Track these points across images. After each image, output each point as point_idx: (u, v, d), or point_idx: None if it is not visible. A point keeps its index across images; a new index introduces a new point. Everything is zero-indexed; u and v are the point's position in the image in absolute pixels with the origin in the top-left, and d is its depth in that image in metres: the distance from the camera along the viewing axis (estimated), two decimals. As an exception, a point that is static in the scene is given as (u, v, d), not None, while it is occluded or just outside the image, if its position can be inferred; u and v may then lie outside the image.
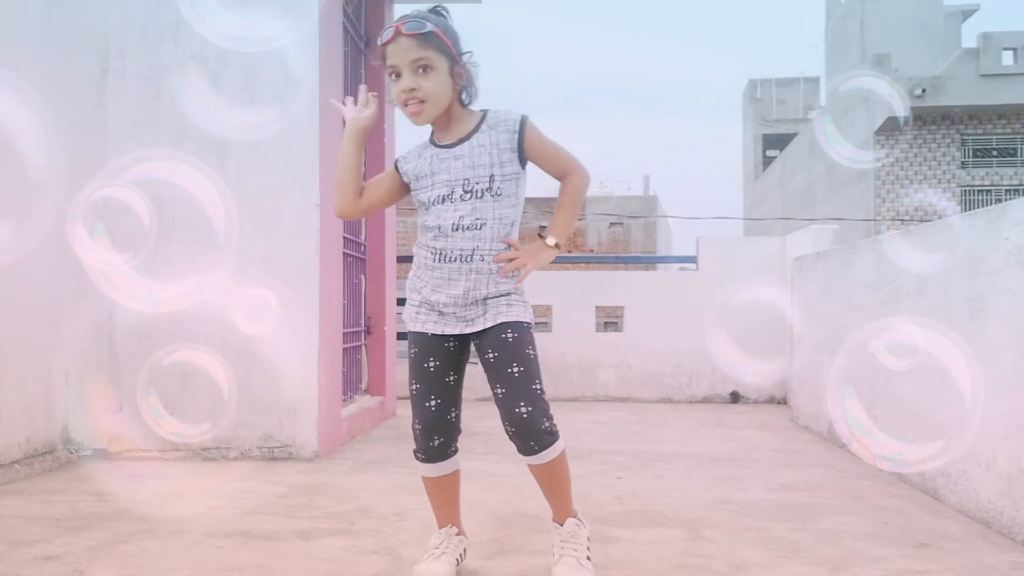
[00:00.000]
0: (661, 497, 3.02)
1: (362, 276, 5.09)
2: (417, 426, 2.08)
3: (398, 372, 5.54)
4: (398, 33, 1.95)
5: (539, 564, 2.19)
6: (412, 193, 2.13)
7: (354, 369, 4.90)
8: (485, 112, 2.09)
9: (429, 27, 1.94)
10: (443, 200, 2.03)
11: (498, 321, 2.05)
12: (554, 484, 2.10)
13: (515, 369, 2.02)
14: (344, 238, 4.44)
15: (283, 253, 3.77)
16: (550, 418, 2.03)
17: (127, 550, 2.31)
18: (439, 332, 2.07)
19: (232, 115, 3.80)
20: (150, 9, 3.82)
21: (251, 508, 2.81)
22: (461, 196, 2.02)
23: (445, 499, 2.17)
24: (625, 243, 31.61)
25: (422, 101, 1.98)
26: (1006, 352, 2.55)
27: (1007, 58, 20.68)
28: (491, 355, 2.05)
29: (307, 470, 3.49)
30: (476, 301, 2.05)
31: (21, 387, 3.39)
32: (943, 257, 2.87)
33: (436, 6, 2.04)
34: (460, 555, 2.13)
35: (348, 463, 3.67)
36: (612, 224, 31.85)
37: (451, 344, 2.08)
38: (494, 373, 2.04)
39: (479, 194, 2.02)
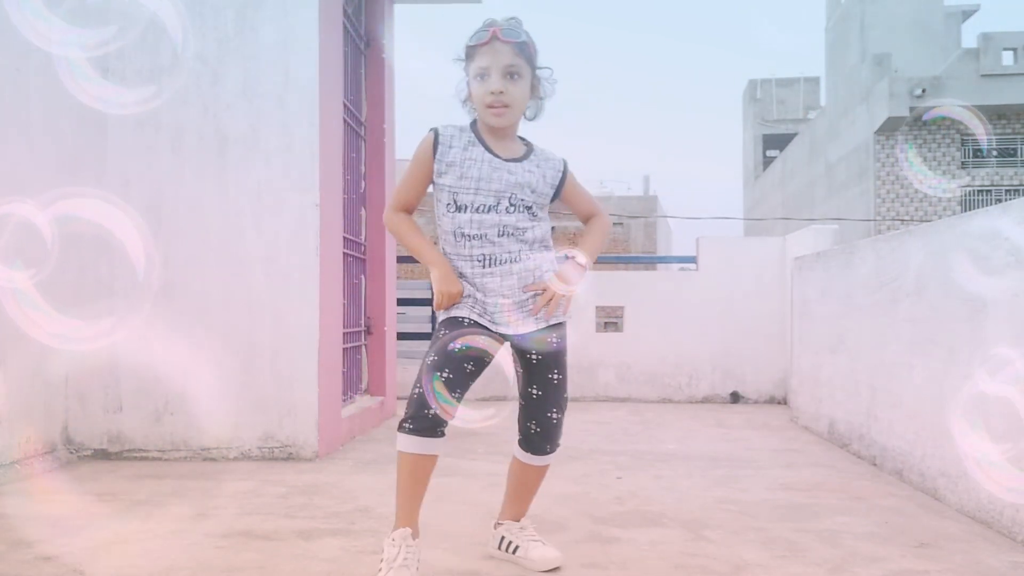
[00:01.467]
0: (661, 497, 3.02)
1: (362, 276, 5.09)
2: (417, 390, 1.99)
3: (398, 372, 5.54)
4: (494, 37, 2.01)
5: (539, 564, 2.19)
6: (442, 187, 2.09)
7: (354, 369, 4.91)
8: (532, 145, 2.17)
9: (524, 37, 2.04)
10: (488, 210, 2.06)
11: (549, 321, 2.10)
12: (535, 485, 2.26)
13: (555, 376, 2.13)
14: (344, 238, 4.44)
15: (283, 253, 3.77)
16: (563, 424, 2.19)
17: (127, 550, 2.31)
18: (488, 325, 2.06)
19: (232, 115, 3.80)
20: (150, 9, 3.82)
21: (251, 508, 2.81)
22: (507, 208, 2.07)
23: (415, 488, 2.06)
24: (625, 243, 31.61)
25: (507, 106, 2.04)
26: (1006, 352, 2.54)
27: (1007, 58, 20.70)
28: (535, 357, 2.11)
29: (307, 470, 3.49)
30: (528, 299, 2.08)
31: (21, 387, 3.39)
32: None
33: (513, 17, 2.08)
34: (417, 563, 2.02)
35: (348, 463, 3.67)
36: (612, 224, 31.85)
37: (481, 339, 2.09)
38: (534, 374, 2.12)
39: (521, 209, 2.09)
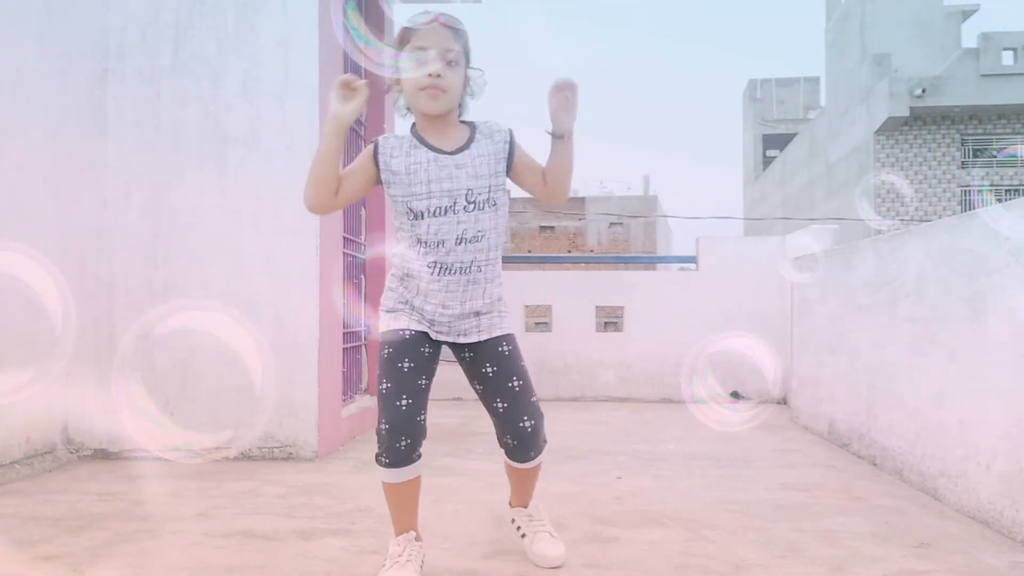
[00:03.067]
0: (661, 497, 3.02)
1: (362, 276, 5.09)
2: (384, 426, 1.97)
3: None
4: (436, 20, 1.97)
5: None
6: (395, 198, 2.02)
7: (354, 369, 4.90)
8: (474, 123, 2.08)
9: (463, 27, 2.01)
10: (445, 212, 1.97)
11: (493, 334, 2.07)
12: (531, 481, 2.25)
13: (515, 383, 2.06)
14: (344, 238, 4.44)
15: (283, 253, 3.77)
16: (544, 428, 2.14)
17: (127, 550, 2.31)
18: (428, 332, 2.03)
19: (232, 115, 3.80)
20: (150, 9, 3.82)
21: (251, 508, 2.81)
22: (464, 207, 1.98)
23: (406, 506, 2.08)
24: (625, 243, 31.60)
25: (444, 90, 1.97)
26: (1006, 352, 2.55)
27: (1007, 58, 20.68)
28: (490, 369, 2.06)
29: (307, 470, 3.49)
30: (471, 313, 2.05)
31: (21, 387, 3.39)
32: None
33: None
34: (422, 562, 2.06)
35: (348, 463, 3.67)
36: (612, 224, 31.83)
37: (426, 349, 2.04)
38: (494, 387, 2.07)
39: (480, 205, 1.99)
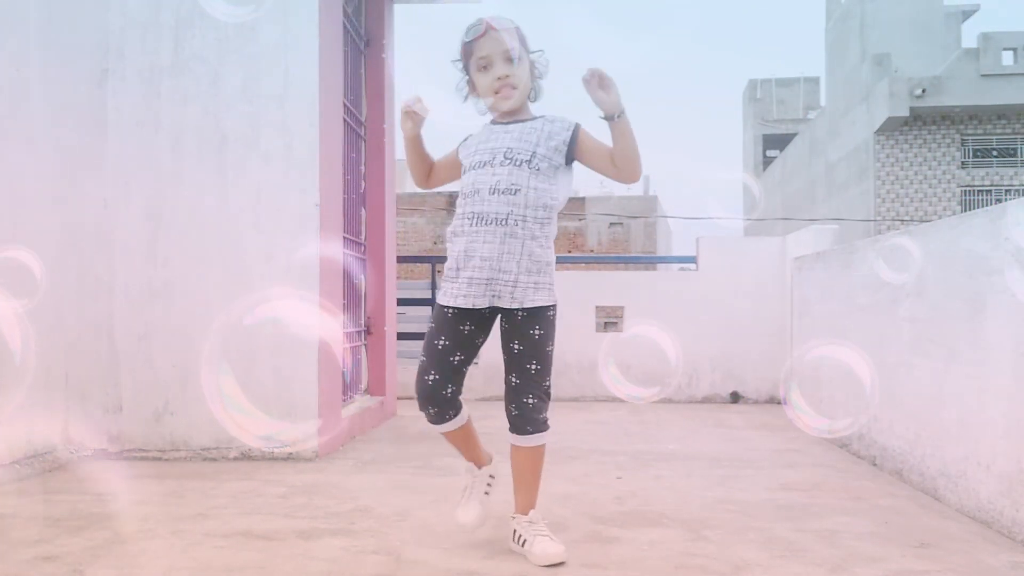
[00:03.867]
0: (661, 497, 3.02)
1: (362, 276, 5.09)
2: (417, 393, 2.25)
3: (398, 372, 5.54)
4: (489, 27, 2.15)
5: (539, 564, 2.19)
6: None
7: (354, 369, 4.90)
8: (544, 116, 2.28)
9: (512, 23, 2.18)
10: (483, 165, 2.18)
11: (525, 305, 2.18)
12: (530, 471, 2.32)
13: (533, 366, 2.22)
14: (344, 238, 4.44)
15: (283, 253, 3.77)
16: (547, 410, 2.27)
17: (127, 550, 2.31)
18: (467, 306, 2.17)
19: (232, 115, 3.80)
20: (150, 9, 3.82)
21: (251, 508, 2.81)
22: (501, 162, 2.17)
23: (458, 445, 2.41)
24: (625, 243, 31.60)
25: (514, 87, 2.18)
26: (1006, 352, 2.55)
27: (1007, 58, 20.69)
28: (516, 346, 2.22)
29: (307, 470, 3.49)
30: (509, 271, 2.15)
31: (21, 387, 3.39)
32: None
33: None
34: (488, 485, 2.43)
35: (348, 463, 3.67)
36: (612, 224, 31.83)
37: (467, 327, 2.22)
38: (514, 363, 2.24)
39: (518, 163, 2.17)
